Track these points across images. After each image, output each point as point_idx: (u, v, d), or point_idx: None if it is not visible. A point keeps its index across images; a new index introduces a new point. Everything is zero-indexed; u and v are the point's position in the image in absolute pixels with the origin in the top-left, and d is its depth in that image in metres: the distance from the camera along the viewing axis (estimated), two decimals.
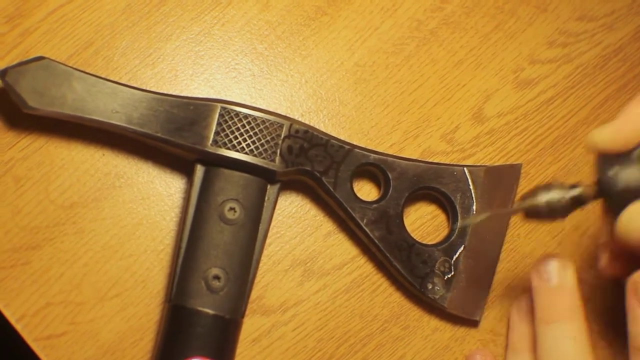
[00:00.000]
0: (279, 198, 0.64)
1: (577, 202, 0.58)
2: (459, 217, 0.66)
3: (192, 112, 0.62)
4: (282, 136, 0.62)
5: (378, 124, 0.68)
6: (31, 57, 0.61)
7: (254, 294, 0.65)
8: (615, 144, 0.51)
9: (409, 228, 0.66)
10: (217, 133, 0.62)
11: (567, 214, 0.58)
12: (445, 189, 0.66)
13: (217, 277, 0.60)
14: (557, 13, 0.72)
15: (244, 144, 0.62)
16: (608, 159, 0.55)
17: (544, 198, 0.58)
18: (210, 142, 0.61)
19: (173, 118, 0.61)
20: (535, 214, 0.59)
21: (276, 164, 0.62)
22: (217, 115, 0.62)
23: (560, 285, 0.60)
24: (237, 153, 0.61)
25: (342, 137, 0.66)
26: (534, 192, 0.59)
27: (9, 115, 0.64)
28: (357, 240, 0.66)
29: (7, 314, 0.62)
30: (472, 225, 0.66)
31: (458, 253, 0.65)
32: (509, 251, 0.68)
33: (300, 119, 0.67)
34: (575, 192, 0.58)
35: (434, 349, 0.66)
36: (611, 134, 0.51)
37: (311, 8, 0.68)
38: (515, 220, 0.68)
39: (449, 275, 0.65)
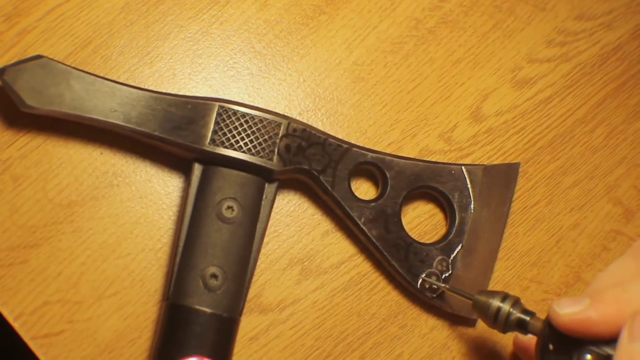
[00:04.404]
0: (276, 197, 0.64)
1: (520, 326, 0.58)
2: (457, 216, 0.66)
3: (190, 111, 0.62)
4: (280, 135, 0.62)
5: (376, 123, 0.68)
6: (29, 55, 0.61)
7: (251, 293, 0.65)
8: (584, 330, 0.48)
9: (406, 227, 0.66)
10: (215, 132, 0.62)
11: (506, 331, 0.59)
12: (443, 187, 0.66)
13: (214, 276, 0.60)
14: (556, 12, 0.72)
15: (241, 143, 0.62)
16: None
17: (497, 303, 0.59)
18: (208, 140, 0.61)
19: (171, 117, 0.61)
20: (482, 310, 0.60)
21: (274, 163, 0.62)
22: (215, 114, 0.62)
23: None
24: (235, 152, 0.61)
25: (340, 136, 0.66)
26: (494, 293, 0.60)
27: (7, 113, 0.64)
28: (355, 239, 0.66)
29: (5, 313, 0.62)
30: (469, 224, 0.66)
31: (455, 252, 0.65)
32: (507, 250, 0.68)
33: (298, 118, 0.67)
34: (524, 316, 0.58)
35: (431, 347, 0.66)
36: (583, 321, 0.48)
37: (309, 7, 0.68)
38: (513, 219, 0.68)
39: (447, 274, 0.65)
